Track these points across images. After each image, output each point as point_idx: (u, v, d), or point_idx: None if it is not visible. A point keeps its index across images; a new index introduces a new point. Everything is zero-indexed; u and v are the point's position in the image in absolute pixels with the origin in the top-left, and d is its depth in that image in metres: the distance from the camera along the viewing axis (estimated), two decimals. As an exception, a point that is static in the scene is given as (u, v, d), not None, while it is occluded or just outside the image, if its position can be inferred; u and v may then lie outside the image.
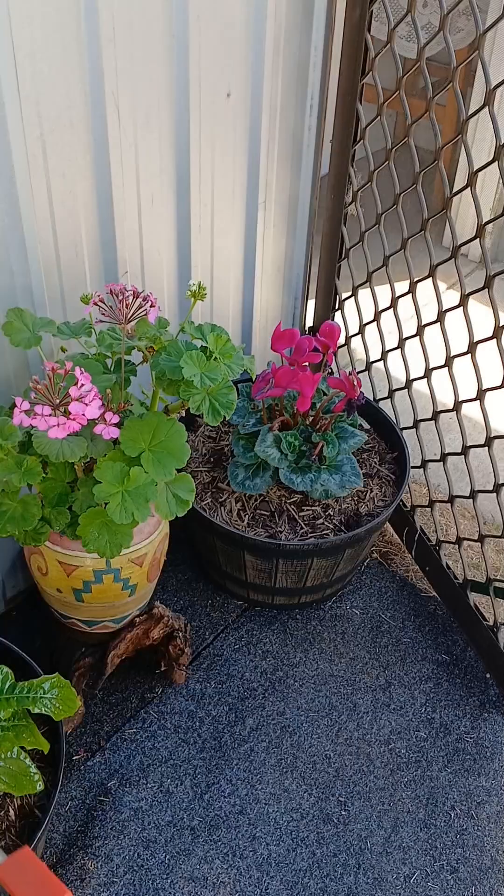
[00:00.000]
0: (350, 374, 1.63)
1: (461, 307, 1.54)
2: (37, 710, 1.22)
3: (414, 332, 1.73)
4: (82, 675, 1.56)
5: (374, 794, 1.57)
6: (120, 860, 1.44)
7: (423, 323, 1.70)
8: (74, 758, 1.58)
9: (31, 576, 1.71)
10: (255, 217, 1.81)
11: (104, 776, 1.56)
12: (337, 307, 2.10)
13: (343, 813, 1.54)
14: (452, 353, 1.63)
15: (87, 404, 1.15)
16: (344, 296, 2.05)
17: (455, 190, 1.48)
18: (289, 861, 1.47)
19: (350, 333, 2.02)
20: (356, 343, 2.05)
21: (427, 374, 1.73)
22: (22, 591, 1.80)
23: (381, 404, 1.96)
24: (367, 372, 2.00)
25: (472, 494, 1.68)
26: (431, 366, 1.72)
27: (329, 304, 2.12)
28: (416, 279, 1.68)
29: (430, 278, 1.64)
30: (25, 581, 1.78)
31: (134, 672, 1.70)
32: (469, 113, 1.43)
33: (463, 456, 1.68)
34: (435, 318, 1.63)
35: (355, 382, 1.63)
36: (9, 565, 1.72)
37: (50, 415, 1.13)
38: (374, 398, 1.98)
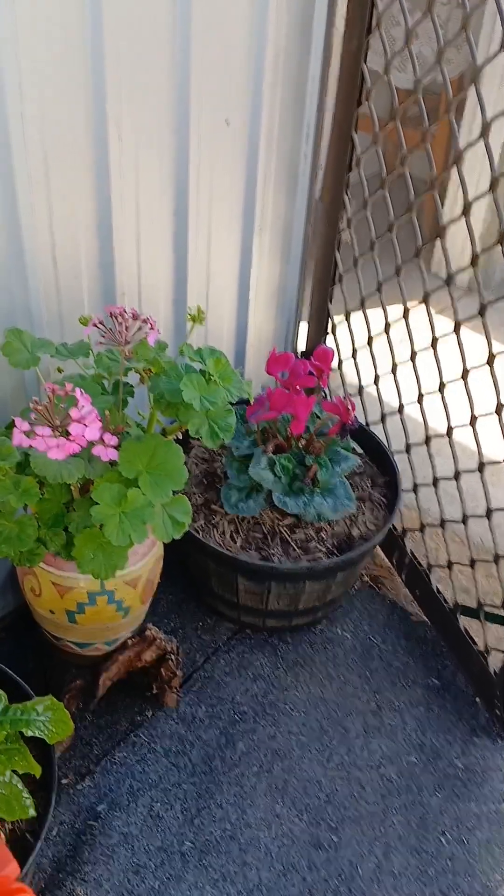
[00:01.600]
0: (345, 398, 1.64)
1: (454, 333, 1.56)
2: (30, 733, 1.21)
3: (407, 358, 1.74)
4: (73, 698, 1.55)
5: (365, 819, 1.57)
6: (110, 886, 1.42)
7: (415, 349, 1.72)
8: (63, 781, 1.56)
9: (20, 596, 1.71)
10: (251, 242, 1.83)
11: (93, 800, 1.54)
12: (329, 331, 2.11)
13: (334, 839, 1.53)
14: (445, 380, 1.64)
15: (87, 426, 1.15)
16: (336, 320, 2.07)
17: (449, 219, 1.51)
18: (280, 887, 1.46)
19: (342, 358, 2.04)
20: (348, 367, 2.06)
21: (419, 399, 1.75)
22: (11, 611, 1.78)
23: (373, 428, 1.97)
24: (358, 396, 2.01)
25: (464, 519, 1.69)
26: (424, 391, 1.73)
27: (321, 328, 2.13)
28: (409, 305, 1.70)
29: (424, 304, 1.66)
30: (15, 601, 1.77)
31: (124, 694, 1.68)
32: (465, 145, 1.46)
33: (455, 481, 1.69)
34: (429, 343, 1.64)
35: (349, 407, 1.64)
36: (-1, 586, 1.71)
37: (50, 436, 1.13)
38: (365, 422, 2.00)
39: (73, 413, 1.15)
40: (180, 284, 1.72)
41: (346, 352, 2.04)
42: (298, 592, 1.70)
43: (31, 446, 1.14)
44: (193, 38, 1.41)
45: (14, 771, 1.21)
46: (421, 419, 1.76)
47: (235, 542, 1.71)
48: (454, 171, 3.18)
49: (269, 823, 1.54)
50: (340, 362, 2.05)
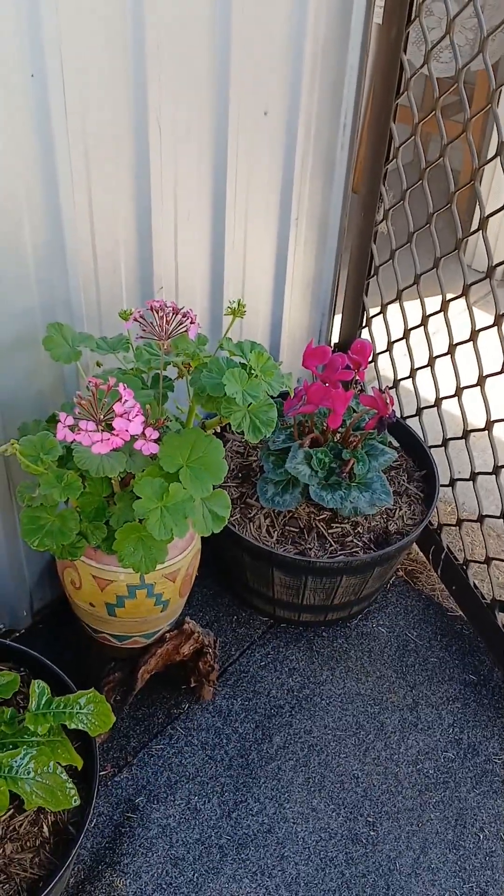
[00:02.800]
0: (383, 391, 1.63)
1: (495, 326, 1.55)
2: (73, 726, 1.21)
3: (445, 351, 1.73)
4: (111, 690, 1.55)
5: (402, 814, 1.56)
6: (148, 878, 1.43)
7: (454, 342, 1.70)
8: (101, 773, 1.57)
9: (58, 588, 1.72)
10: (287, 234, 1.81)
11: (131, 792, 1.55)
12: (364, 324, 2.10)
13: (371, 833, 1.53)
14: (485, 373, 1.62)
15: (130, 420, 1.15)
16: (372, 312, 2.05)
17: (489, 211, 1.49)
18: (318, 881, 1.46)
19: (376, 350, 2.03)
20: (382, 360, 2.05)
21: (458, 392, 1.73)
22: (48, 603, 1.80)
23: (409, 422, 1.96)
24: (394, 389, 2.00)
25: (503, 514, 1.68)
26: (462, 384, 1.71)
27: (356, 320, 2.12)
28: (448, 298, 1.69)
29: (464, 297, 1.64)
30: (52, 593, 1.78)
31: (160, 687, 1.69)
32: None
33: (494, 476, 1.67)
34: (468, 336, 1.62)
35: (388, 400, 1.63)
36: (37, 578, 1.72)
37: (94, 430, 1.13)
38: (401, 416, 1.98)
39: (117, 408, 1.15)
40: (217, 277, 1.71)
41: (380, 345, 2.02)
42: (334, 587, 1.70)
43: (74, 441, 1.15)
44: (234, 30, 1.40)
45: (57, 763, 1.22)
46: (457, 413, 1.74)
47: (271, 537, 1.70)
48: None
49: (306, 817, 1.54)
50: (376, 355, 2.04)
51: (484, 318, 1.56)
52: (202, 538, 1.49)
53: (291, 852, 1.49)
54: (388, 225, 1.87)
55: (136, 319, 1.31)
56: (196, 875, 1.44)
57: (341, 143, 1.79)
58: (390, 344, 1.98)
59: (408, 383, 1.94)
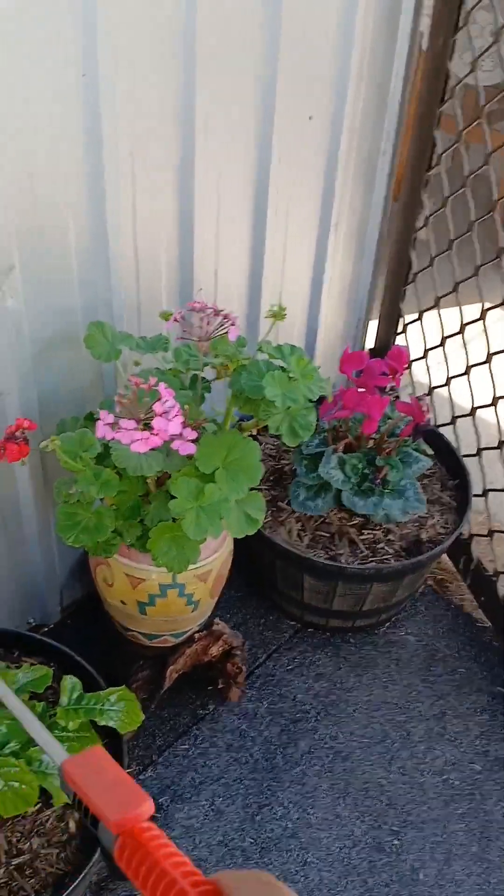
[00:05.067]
0: (420, 398, 1.63)
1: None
2: (103, 723, 1.22)
3: (482, 360, 1.72)
4: (139, 689, 1.56)
5: (427, 825, 1.55)
6: (171, 877, 1.43)
7: (491, 350, 1.69)
8: (127, 771, 1.58)
9: (86, 585, 1.73)
10: (327, 239, 1.81)
11: (155, 791, 1.55)
12: (400, 330, 2.09)
13: (396, 842, 1.52)
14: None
15: (169, 420, 1.16)
16: (408, 319, 2.05)
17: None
18: (340, 888, 1.45)
19: (411, 357, 2.02)
20: (417, 367, 2.04)
21: (494, 401, 1.72)
22: (78, 599, 1.81)
23: (443, 430, 1.95)
24: (429, 397, 1.99)
25: (537, 526, 1.66)
26: (499, 394, 1.70)
27: (391, 327, 2.12)
28: (487, 306, 1.68)
29: (503, 306, 1.63)
30: (83, 590, 1.79)
31: (186, 688, 1.69)
32: None
33: (529, 486, 1.66)
34: (506, 346, 1.62)
35: (424, 408, 1.62)
36: (67, 574, 1.73)
37: (134, 429, 1.14)
38: (435, 423, 1.97)
39: (157, 407, 1.15)
40: (255, 281, 1.72)
41: (415, 352, 2.01)
42: (364, 594, 1.69)
43: (114, 438, 1.15)
44: (283, 37, 1.41)
45: (85, 759, 1.22)
46: (493, 422, 1.73)
47: (302, 541, 1.70)
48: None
49: (330, 824, 1.54)
50: (410, 362, 2.03)
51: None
52: (235, 542, 1.49)
53: (315, 858, 1.49)
54: (428, 232, 1.86)
55: (176, 320, 1.32)
56: (219, 877, 1.44)
57: (384, 149, 1.79)
58: (426, 351, 1.97)
59: (442, 391, 1.93)
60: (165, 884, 0.56)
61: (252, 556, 1.83)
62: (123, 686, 1.26)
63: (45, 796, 1.23)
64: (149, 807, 0.63)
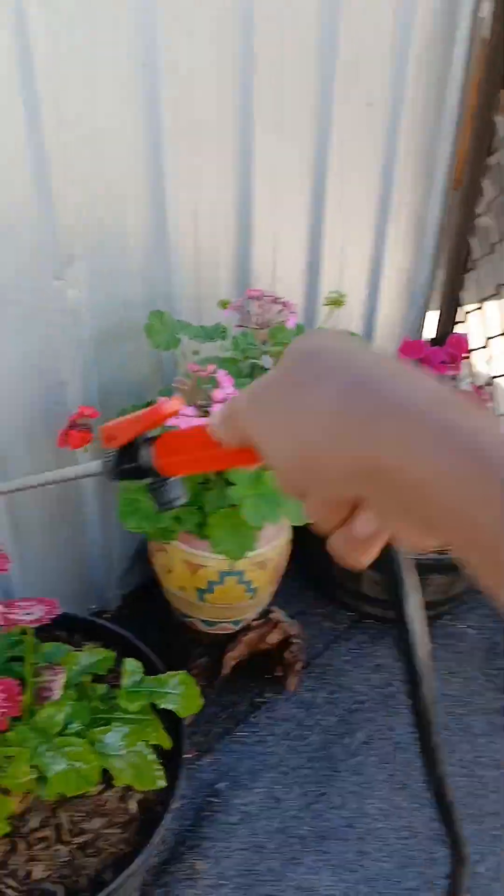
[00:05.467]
0: (481, 388, 1.60)
1: None
2: (163, 706, 1.23)
3: (545, 348, 1.69)
4: (198, 675, 1.57)
5: (486, 818, 1.53)
6: (230, 863, 1.44)
7: None
8: (184, 756, 1.59)
9: (144, 573, 1.75)
10: (385, 227, 1.80)
11: (214, 777, 1.56)
12: (459, 320, 2.07)
13: (455, 835, 1.50)
14: None
15: (228, 407, 1.16)
16: (468, 308, 2.02)
17: None
18: (398, 879, 1.44)
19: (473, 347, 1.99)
20: (477, 357, 2.01)
21: None
22: (134, 588, 1.83)
23: (504, 420, 1.92)
24: (490, 387, 1.96)
25: None
26: None
27: (451, 316, 2.09)
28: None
29: None
30: (141, 577, 1.81)
31: (244, 676, 1.70)
32: None
33: None
34: None
35: (485, 397, 1.60)
36: (127, 562, 1.76)
37: (194, 416, 1.15)
38: (496, 413, 1.94)
39: (216, 394, 1.16)
40: (313, 269, 1.71)
41: (476, 341, 1.98)
42: (424, 585, 1.68)
43: (175, 426, 1.16)
44: (342, 20, 1.40)
45: (145, 741, 1.24)
46: None
47: (360, 531, 1.69)
48: None
49: (388, 814, 1.53)
50: (470, 351, 2.00)
51: None
52: (293, 531, 1.49)
53: (372, 848, 1.48)
54: (489, 219, 1.84)
55: (235, 308, 1.33)
56: (277, 864, 1.44)
57: (444, 135, 1.77)
58: (487, 340, 1.94)
59: (502, 381, 1.90)
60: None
61: (309, 546, 1.83)
62: (184, 671, 1.27)
63: (107, 777, 1.25)
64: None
